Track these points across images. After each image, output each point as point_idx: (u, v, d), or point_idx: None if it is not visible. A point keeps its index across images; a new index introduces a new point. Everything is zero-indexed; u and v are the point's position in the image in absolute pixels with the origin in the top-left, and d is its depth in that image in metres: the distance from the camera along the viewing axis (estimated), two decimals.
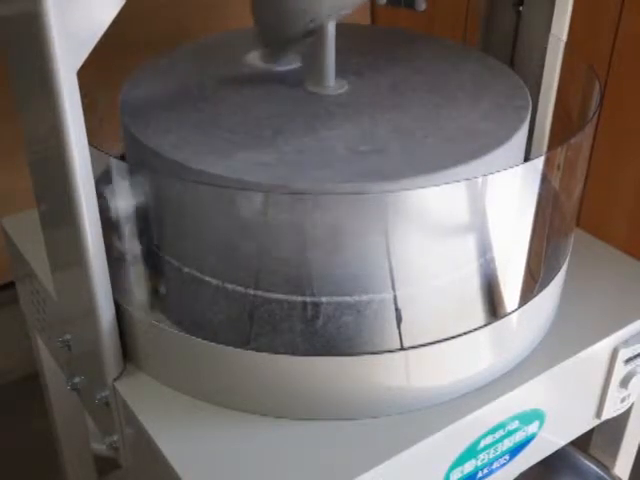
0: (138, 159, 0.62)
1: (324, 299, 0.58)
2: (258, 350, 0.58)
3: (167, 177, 0.59)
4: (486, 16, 0.82)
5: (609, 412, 0.72)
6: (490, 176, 0.57)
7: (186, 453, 0.56)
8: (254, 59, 0.73)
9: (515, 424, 0.63)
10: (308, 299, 0.58)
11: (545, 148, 0.80)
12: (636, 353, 0.69)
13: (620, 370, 0.69)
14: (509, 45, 0.80)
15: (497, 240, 0.62)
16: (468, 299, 0.64)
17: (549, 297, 0.66)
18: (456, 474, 0.61)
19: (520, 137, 0.62)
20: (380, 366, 0.58)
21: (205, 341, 0.58)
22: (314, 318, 0.59)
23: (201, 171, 0.56)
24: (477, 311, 0.64)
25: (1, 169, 1.17)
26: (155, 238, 0.64)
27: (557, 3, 0.74)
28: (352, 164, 0.57)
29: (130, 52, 0.78)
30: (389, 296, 0.59)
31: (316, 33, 0.65)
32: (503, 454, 0.64)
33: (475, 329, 0.59)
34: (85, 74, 0.51)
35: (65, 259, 0.62)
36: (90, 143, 0.53)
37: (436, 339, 0.58)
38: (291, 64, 0.72)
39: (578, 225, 0.78)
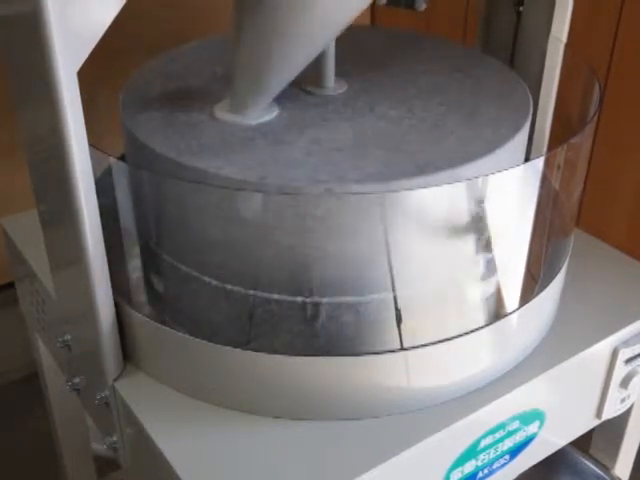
0: (138, 159, 0.62)
1: (324, 299, 0.58)
2: (258, 350, 0.58)
3: (167, 177, 0.59)
4: (486, 16, 0.82)
5: (609, 412, 0.72)
6: (490, 176, 0.57)
7: (186, 453, 0.56)
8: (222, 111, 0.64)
9: (515, 424, 0.63)
10: (308, 299, 0.58)
11: (545, 148, 0.80)
12: (636, 353, 0.69)
13: (620, 370, 0.69)
14: (509, 45, 0.80)
15: (497, 240, 0.62)
16: (468, 299, 0.64)
17: (549, 297, 0.66)
18: (456, 474, 0.61)
19: (520, 137, 0.62)
20: (380, 366, 0.58)
21: (205, 341, 0.58)
22: (314, 318, 0.58)
23: (200, 170, 0.56)
24: (477, 311, 0.64)
25: (1, 169, 1.17)
26: (155, 238, 0.64)
27: (557, 3, 0.74)
28: (351, 164, 0.57)
29: (130, 52, 0.78)
30: (389, 296, 0.59)
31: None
32: (503, 454, 0.64)
33: (475, 329, 0.59)
34: (85, 74, 0.51)
35: (65, 259, 0.62)
36: (90, 143, 0.53)
37: (436, 339, 0.58)
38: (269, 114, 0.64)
39: (578, 225, 0.78)
